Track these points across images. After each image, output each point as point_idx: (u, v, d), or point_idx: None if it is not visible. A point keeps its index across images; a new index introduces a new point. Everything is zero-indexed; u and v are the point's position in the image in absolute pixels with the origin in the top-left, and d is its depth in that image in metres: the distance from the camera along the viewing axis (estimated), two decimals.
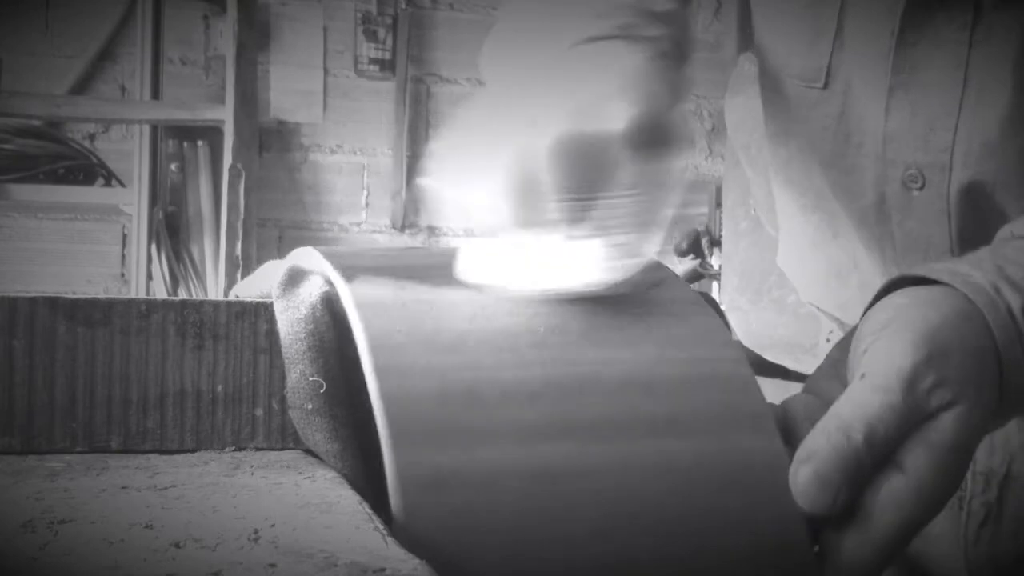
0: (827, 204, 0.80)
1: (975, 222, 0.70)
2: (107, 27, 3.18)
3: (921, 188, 0.71)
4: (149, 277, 2.90)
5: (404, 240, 3.35)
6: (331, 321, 0.48)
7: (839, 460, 0.45)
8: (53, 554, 0.33)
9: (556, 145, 0.52)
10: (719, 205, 2.77)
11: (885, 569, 0.46)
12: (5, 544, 0.33)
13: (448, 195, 0.55)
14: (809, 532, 0.44)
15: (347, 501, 0.40)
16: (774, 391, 0.55)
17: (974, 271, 0.52)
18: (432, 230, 3.39)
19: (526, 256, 0.50)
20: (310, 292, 0.49)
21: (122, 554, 0.32)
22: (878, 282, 0.56)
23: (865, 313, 0.52)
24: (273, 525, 0.36)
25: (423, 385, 0.43)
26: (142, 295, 2.39)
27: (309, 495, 0.41)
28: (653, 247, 0.51)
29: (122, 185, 2.92)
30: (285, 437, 0.50)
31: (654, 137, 0.54)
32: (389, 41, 3.33)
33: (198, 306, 0.49)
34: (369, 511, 0.39)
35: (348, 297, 0.46)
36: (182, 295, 2.58)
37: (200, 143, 3.08)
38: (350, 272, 0.48)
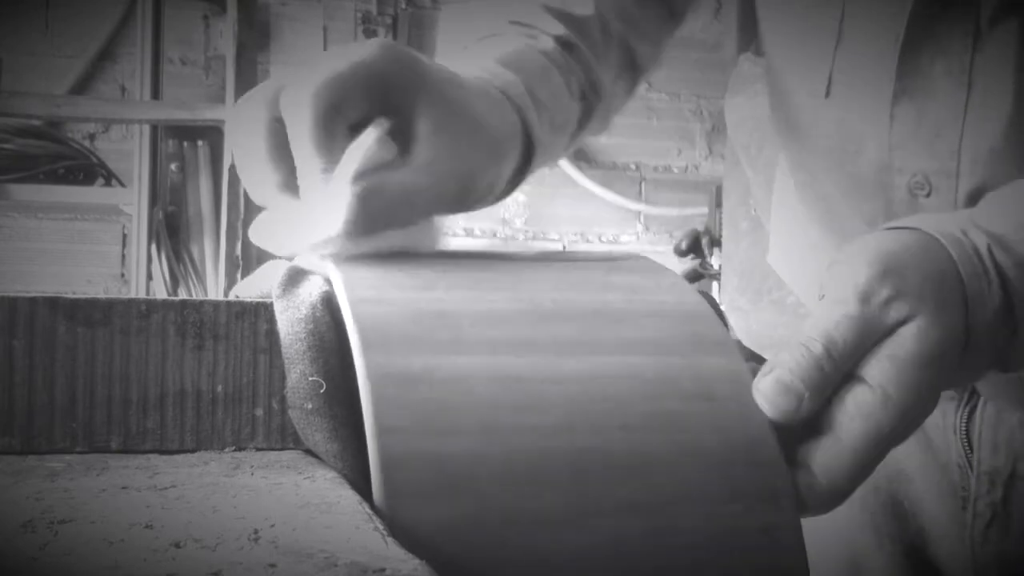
0: (836, 208, 0.80)
1: None
2: (107, 27, 3.18)
3: (928, 195, 0.71)
4: (149, 277, 2.91)
5: None
6: (331, 321, 0.48)
7: (800, 369, 0.47)
8: (53, 554, 0.33)
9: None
10: (719, 205, 2.77)
11: (860, 482, 0.47)
12: (5, 544, 0.33)
13: None
14: (778, 440, 0.45)
15: (347, 501, 0.40)
16: None
17: (945, 221, 0.54)
18: None
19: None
20: (310, 292, 0.49)
21: (122, 554, 0.32)
22: None
23: None
24: (273, 525, 0.36)
25: (396, 310, 0.45)
26: (142, 295, 2.39)
27: (309, 495, 0.41)
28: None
29: (122, 185, 2.92)
30: (285, 437, 0.50)
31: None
32: None
33: (198, 306, 0.49)
34: (369, 511, 0.39)
35: (339, 283, 0.47)
36: (182, 295, 2.58)
37: (200, 143, 3.09)
38: (349, 271, 0.48)
